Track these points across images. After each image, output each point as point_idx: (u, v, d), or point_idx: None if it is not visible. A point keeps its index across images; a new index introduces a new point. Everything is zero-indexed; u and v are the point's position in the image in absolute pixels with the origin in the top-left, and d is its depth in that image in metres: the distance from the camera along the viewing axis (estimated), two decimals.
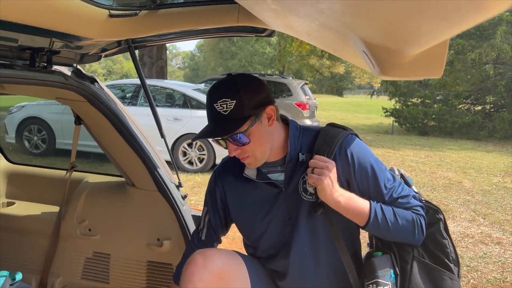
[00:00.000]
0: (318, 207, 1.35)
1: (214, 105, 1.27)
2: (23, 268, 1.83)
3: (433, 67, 0.66)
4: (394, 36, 0.55)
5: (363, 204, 1.31)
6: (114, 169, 2.07)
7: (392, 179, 1.37)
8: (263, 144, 1.33)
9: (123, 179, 2.07)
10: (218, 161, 6.20)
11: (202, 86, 8.34)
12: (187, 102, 6.88)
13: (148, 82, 7.06)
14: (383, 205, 1.33)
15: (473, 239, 4.22)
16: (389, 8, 0.45)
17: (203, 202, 1.64)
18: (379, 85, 18.64)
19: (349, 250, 1.40)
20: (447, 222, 1.40)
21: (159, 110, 1.98)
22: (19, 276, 1.69)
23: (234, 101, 1.25)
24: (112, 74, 58.94)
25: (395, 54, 0.61)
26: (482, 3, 0.38)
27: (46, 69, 1.52)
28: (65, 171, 2.11)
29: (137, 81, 7.03)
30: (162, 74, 10.48)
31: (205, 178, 6.15)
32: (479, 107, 14.23)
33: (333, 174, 1.28)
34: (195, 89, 7.26)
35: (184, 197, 2.02)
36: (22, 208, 2.20)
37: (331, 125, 1.43)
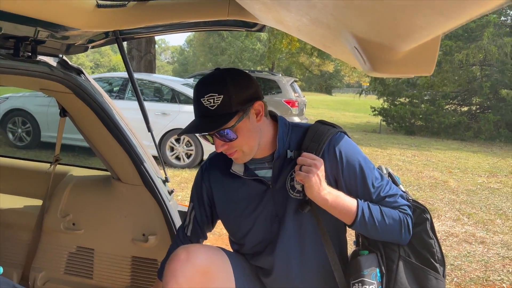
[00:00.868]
0: (305, 205, 1.35)
1: (201, 99, 1.25)
2: (4, 263, 1.79)
3: (424, 64, 0.65)
4: (387, 31, 0.54)
5: (350, 202, 1.31)
6: (99, 163, 2.04)
7: (380, 178, 1.37)
8: (250, 140, 1.32)
9: (108, 173, 2.04)
10: (206, 156, 6.18)
11: (191, 81, 8.29)
12: (176, 97, 6.83)
13: (136, 75, 6.99)
14: (370, 204, 1.32)
15: (457, 238, 4.28)
16: (383, 1, 0.44)
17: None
18: (368, 84, 18.77)
19: (335, 248, 1.39)
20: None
21: (147, 104, 1.96)
22: (0, 270, 1.65)
23: (222, 96, 1.23)
24: (100, 67, 58.29)
25: (387, 50, 0.60)
26: None
27: (31, 59, 1.48)
28: (49, 164, 2.07)
29: (125, 74, 6.95)
30: (150, 68, 10.38)
31: (193, 173, 6.12)
32: (466, 108, 14.43)
33: (321, 172, 1.28)
34: (183, 84, 7.21)
35: (170, 193, 2.00)
36: (4, 201, 2.15)
37: (321, 122, 1.42)
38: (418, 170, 7.40)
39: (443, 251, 1.36)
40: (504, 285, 3.38)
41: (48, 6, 1.17)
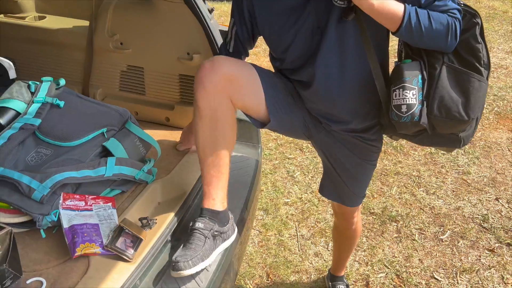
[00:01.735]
0: (350, 12, 1.31)
1: None
2: (64, 80, 1.93)
3: None
4: None
5: (397, 7, 1.26)
6: None
7: None
8: None
9: None
10: None
11: None
12: None
13: None
14: (418, 9, 1.27)
15: (507, 70, 4.13)
16: None
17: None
18: None
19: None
20: None
21: None
22: (62, 81, 1.81)
23: None
24: None
25: None
26: None
27: None
28: None
29: None
30: None
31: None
32: None
33: None
34: None
35: (211, 11, 1.98)
36: (54, 22, 2.22)
37: None
38: None
39: (489, 83, 1.31)
40: None
41: None
